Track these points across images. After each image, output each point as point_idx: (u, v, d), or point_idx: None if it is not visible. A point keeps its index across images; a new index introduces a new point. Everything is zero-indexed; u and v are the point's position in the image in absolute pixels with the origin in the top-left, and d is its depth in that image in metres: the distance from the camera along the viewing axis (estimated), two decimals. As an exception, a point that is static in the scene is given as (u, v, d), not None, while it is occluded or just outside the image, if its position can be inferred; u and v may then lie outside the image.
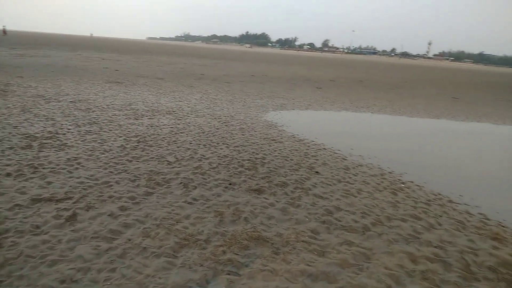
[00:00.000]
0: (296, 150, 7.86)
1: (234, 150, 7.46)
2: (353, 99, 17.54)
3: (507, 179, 7.21)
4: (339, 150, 8.14)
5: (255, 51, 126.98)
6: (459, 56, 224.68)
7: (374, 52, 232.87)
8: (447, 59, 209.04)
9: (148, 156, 6.63)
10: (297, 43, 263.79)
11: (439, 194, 5.97)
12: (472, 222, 4.97)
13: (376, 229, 4.54)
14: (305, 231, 4.34)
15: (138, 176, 5.63)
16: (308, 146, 8.26)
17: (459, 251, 4.13)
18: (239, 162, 6.70)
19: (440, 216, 5.08)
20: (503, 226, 4.93)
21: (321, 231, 4.42)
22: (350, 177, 6.43)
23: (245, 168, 6.39)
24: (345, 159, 7.52)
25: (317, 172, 6.53)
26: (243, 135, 8.81)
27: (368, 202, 5.37)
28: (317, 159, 7.31)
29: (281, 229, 4.37)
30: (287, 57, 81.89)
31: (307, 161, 7.15)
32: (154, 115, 10.17)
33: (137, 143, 7.37)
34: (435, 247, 4.21)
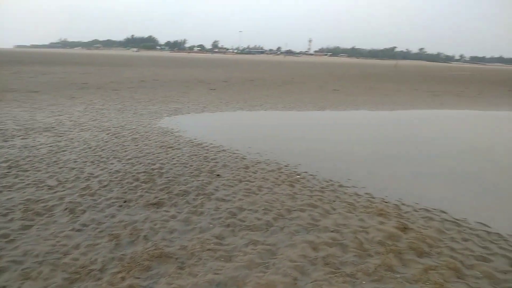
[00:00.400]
0: (195, 155, 7.69)
1: (127, 163, 6.95)
2: (246, 98, 18.01)
3: (385, 158, 8.16)
4: (237, 150, 8.22)
5: (143, 55, 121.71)
6: (335, 51, 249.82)
7: (261, 51, 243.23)
8: (326, 55, 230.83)
9: (23, 183, 5.74)
10: (186, 45, 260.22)
11: (331, 180, 6.44)
12: (360, 203, 5.47)
13: (278, 224, 4.67)
14: (210, 239, 4.23)
15: (12, 208, 4.82)
16: (207, 150, 8.16)
17: (352, 232, 4.49)
18: (133, 176, 6.25)
19: (334, 201, 5.48)
20: (386, 202, 5.55)
21: (226, 235, 4.36)
22: (250, 175, 6.53)
23: (141, 182, 5.98)
24: (244, 158, 7.62)
25: (218, 175, 6.47)
26: (136, 145, 8.28)
27: (269, 198, 5.51)
28: (217, 162, 7.25)
29: (185, 241, 4.18)
30: (177, 59, 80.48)
31: (207, 165, 7.04)
32: (29, 134, 8.89)
33: (8, 169, 6.33)
34: (332, 231, 4.50)
